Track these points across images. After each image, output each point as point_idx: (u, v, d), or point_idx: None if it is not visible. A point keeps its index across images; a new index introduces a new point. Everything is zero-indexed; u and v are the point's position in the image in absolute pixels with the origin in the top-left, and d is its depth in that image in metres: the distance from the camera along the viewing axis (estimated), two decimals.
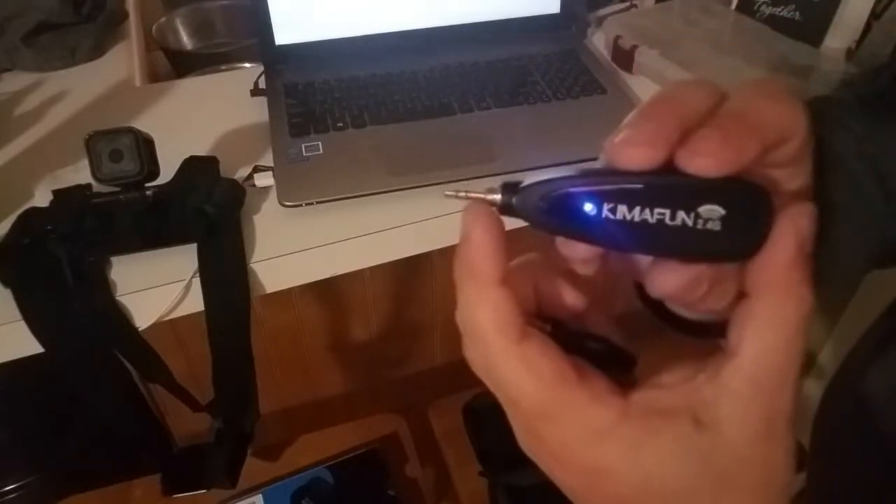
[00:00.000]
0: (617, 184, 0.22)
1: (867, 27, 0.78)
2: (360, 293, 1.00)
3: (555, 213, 0.22)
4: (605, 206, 0.22)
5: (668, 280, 0.23)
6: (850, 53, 0.80)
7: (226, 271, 0.58)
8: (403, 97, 0.75)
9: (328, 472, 0.87)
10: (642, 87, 0.81)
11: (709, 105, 0.22)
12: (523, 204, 0.23)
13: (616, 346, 0.24)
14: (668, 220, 0.21)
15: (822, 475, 0.45)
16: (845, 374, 0.44)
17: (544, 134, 0.72)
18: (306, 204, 0.62)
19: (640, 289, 0.29)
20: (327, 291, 0.98)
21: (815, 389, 0.46)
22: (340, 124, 0.71)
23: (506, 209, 0.23)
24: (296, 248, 0.60)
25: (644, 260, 0.25)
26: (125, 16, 0.98)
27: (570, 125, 0.73)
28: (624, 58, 0.84)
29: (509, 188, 0.23)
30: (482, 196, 0.23)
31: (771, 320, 0.22)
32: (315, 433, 0.92)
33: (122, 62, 0.89)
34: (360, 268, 0.65)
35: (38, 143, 0.73)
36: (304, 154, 0.67)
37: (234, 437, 0.68)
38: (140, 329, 0.58)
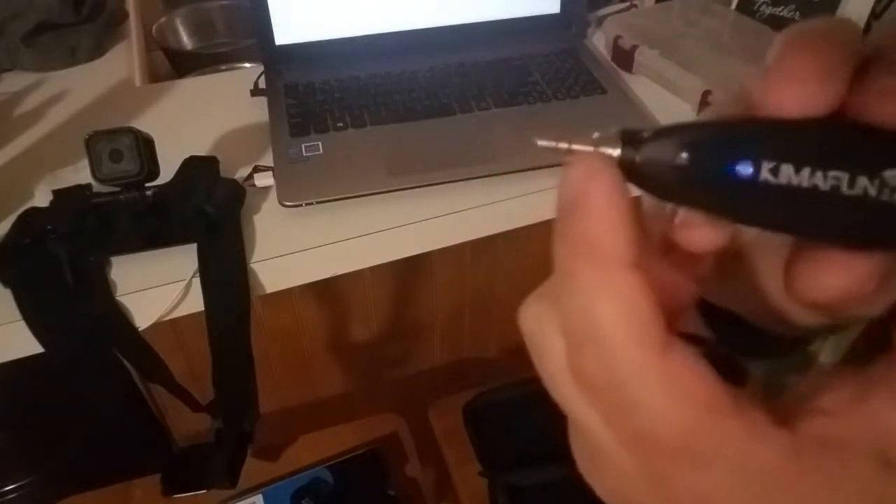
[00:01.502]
0: (780, 135, 0.16)
1: (867, 27, 0.78)
2: (360, 293, 1.00)
3: (696, 173, 0.16)
4: (765, 165, 0.16)
5: (834, 277, 0.17)
6: None
7: (226, 271, 0.58)
8: (403, 97, 0.75)
9: (328, 472, 0.87)
10: (642, 87, 0.81)
11: (860, 46, 0.16)
12: (653, 159, 0.17)
13: (726, 354, 0.20)
14: (844, 188, 0.15)
15: None
16: None
17: (544, 134, 0.72)
18: (306, 204, 0.62)
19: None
20: (327, 291, 0.98)
21: None
22: (340, 124, 0.72)
23: (625, 166, 0.17)
24: (296, 248, 0.60)
25: (768, 252, 0.19)
26: (125, 16, 0.98)
27: (570, 125, 0.73)
28: (624, 58, 0.84)
29: (632, 137, 0.17)
30: (592, 148, 0.17)
31: None
32: (315, 433, 0.92)
33: (122, 62, 0.89)
34: (360, 268, 0.65)
35: (38, 143, 0.73)
36: (304, 154, 0.67)
37: (234, 437, 0.68)
38: (140, 329, 0.58)
